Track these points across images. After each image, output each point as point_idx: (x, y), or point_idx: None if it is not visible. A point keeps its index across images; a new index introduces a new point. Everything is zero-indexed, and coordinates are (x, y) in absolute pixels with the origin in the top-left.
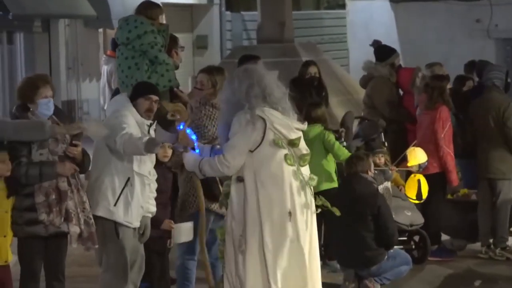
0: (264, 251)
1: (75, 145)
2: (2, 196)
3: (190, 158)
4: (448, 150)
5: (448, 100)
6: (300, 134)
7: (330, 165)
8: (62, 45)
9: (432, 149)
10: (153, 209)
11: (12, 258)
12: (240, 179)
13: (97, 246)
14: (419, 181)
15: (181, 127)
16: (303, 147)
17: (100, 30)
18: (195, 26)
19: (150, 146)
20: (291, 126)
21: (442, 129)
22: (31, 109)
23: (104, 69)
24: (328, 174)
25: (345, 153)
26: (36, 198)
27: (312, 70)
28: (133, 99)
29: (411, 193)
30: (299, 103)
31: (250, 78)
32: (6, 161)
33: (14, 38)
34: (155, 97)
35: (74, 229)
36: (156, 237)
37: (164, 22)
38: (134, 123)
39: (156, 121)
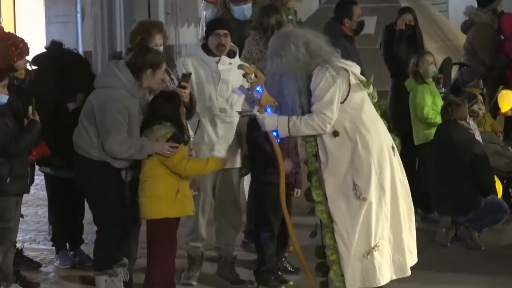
0: (385, 190)
1: (184, 87)
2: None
3: (271, 118)
4: None
5: None
6: None
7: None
8: None
9: None
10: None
11: None
12: (336, 134)
13: (196, 193)
14: None
15: (259, 89)
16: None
17: None
18: None
19: None
20: (358, 68)
21: None
22: None
23: (203, 14)
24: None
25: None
26: None
27: (407, 17)
28: (206, 39)
29: None
30: (390, 51)
31: (301, 37)
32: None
33: None
34: (222, 31)
35: None
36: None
37: None
38: (192, 67)
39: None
